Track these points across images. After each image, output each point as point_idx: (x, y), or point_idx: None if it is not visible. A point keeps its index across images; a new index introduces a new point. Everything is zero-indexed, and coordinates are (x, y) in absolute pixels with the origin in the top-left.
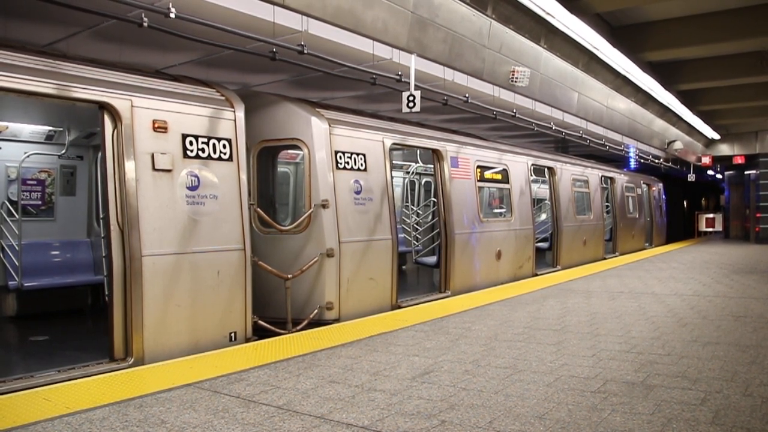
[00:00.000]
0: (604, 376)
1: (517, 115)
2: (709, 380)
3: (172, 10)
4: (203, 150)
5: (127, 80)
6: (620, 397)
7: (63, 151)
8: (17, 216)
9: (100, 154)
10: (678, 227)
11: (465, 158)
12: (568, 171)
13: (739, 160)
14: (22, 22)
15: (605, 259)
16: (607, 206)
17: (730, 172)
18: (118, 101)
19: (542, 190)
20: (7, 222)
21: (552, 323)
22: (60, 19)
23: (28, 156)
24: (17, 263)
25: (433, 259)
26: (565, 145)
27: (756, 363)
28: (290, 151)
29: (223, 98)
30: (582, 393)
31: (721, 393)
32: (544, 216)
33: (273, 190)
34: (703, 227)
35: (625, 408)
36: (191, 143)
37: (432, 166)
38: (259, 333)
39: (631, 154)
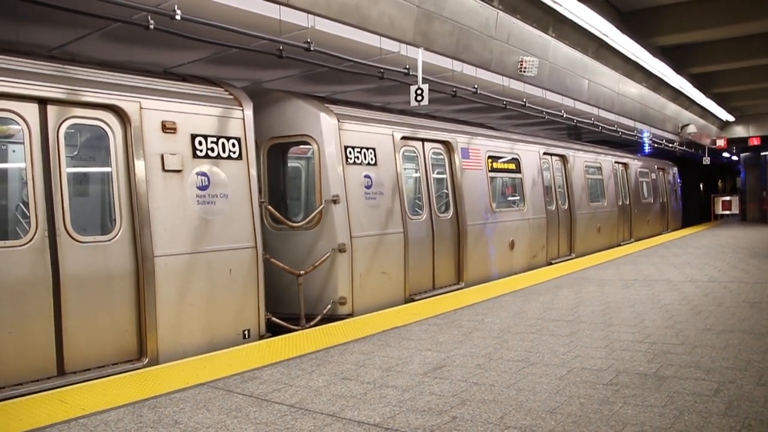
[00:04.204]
0: (616, 368)
1: (527, 105)
2: (722, 370)
3: (178, 12)
4: (212, 149)
5: (136, 82)
6: (632, 389)
7: (75, 152)
8: None
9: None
10: (694, 211)
11: (476, 149)
12: (581, 158)
13: (755, 142)
14: (33, 25)
15: (620, 245)
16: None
17: (746, 153)
18: (127, 104)
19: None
20: (22, 224)
21: (565, 314)
22: (69, 22)
23: None
24: None
25: None
26: (578, 132)
27: None
28: (301, 146)
29: (231, 97)
30: (594, 386)
31: (735, 383)
32: None
33: (284, 186)
34: (719, 210)
35: (637, 400)
36: (200, 143)
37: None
38: (273, 330)
39: (645, 140)
